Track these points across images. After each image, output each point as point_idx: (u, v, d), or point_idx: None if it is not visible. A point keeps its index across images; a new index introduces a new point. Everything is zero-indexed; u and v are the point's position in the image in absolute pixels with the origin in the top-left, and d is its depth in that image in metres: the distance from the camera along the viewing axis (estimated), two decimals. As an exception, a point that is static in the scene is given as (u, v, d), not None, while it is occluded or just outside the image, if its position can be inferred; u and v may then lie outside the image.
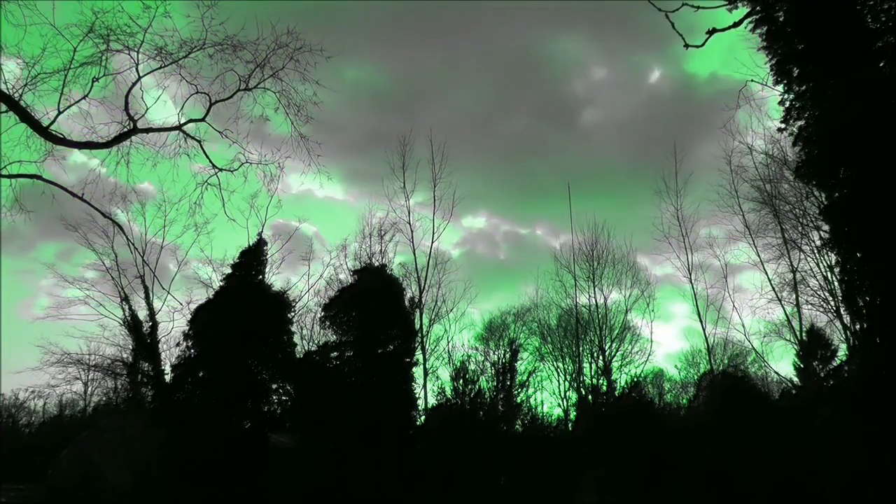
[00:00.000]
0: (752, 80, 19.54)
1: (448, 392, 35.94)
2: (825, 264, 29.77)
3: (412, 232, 34.87)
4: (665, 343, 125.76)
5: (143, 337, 31.74)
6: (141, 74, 14.11)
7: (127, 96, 13.99)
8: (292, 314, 32.64)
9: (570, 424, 37.89)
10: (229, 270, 32.00)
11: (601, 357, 35.94)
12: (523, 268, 77.51)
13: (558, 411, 38.40)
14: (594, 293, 36.82)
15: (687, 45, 13.70)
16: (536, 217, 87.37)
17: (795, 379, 33.17)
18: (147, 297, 32.21)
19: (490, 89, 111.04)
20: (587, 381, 36.50)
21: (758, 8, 17.41)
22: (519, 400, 37.55)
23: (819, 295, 31.03)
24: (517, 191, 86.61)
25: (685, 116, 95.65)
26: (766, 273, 32.44)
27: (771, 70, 19.13)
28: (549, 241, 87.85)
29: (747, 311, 40.57)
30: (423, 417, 33.58)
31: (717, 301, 35.18)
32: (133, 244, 26.54)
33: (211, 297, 31.69)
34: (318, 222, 65.68)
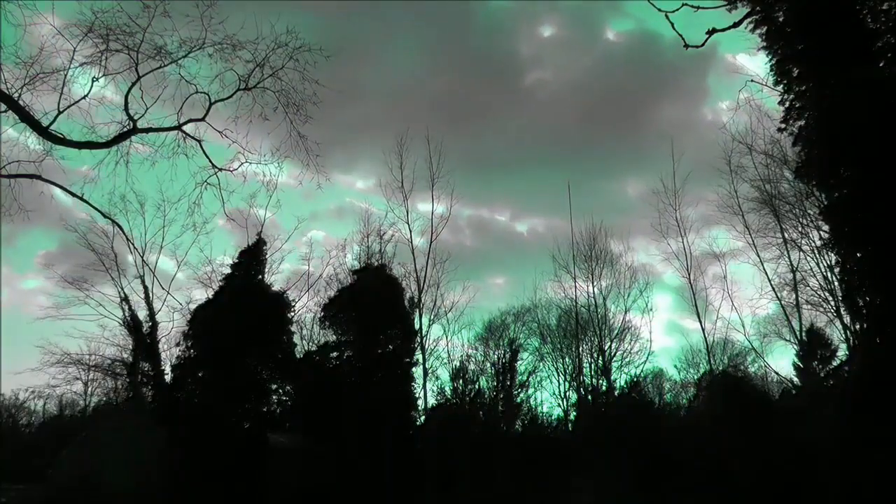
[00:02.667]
0: (752, 80, 19.55)
1: (448, 392, 35.99)
2: (825, 264, 29.76)
3: (411, 232, 34.83)
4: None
5: (143, 337, 31.71)
6: (141, 74, 14.09)
7: (127, 96, 13.99)
8: (292, 314, 32.67)
9: (570, 424, 37.90)
10: (229, 270, 32.05)
11: (601, 357, 35.93)
12: (493, 256, 69.57)
13: (558, 411, 38.46)
14: (594, 293, 36.79)
15: (687, 46, 13.72)
16: (494, 197, 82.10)
17: (795, 379, 33.17)
18: (147, 298, 32.21)
19: (421, 46, 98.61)
20: (587, 381, 36.53)
21: (757, 8, 17.41)
22: (519, 400, 37.57)
23: (819, 295, 31.02)
24: (467, 162, 79.17)
25: (646, 78, 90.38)
26: (766, 273, 32.43)
27: (771, 70, 19.14)
28: (515, 226, 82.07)
29: (747, 310, 40.54)
30: (423, 417, 33.59)
31: (717, 301, 35.27)
32: (133, 244, 26.51)
33: (211, 297, 31.72)
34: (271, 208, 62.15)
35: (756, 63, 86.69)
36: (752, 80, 19.38)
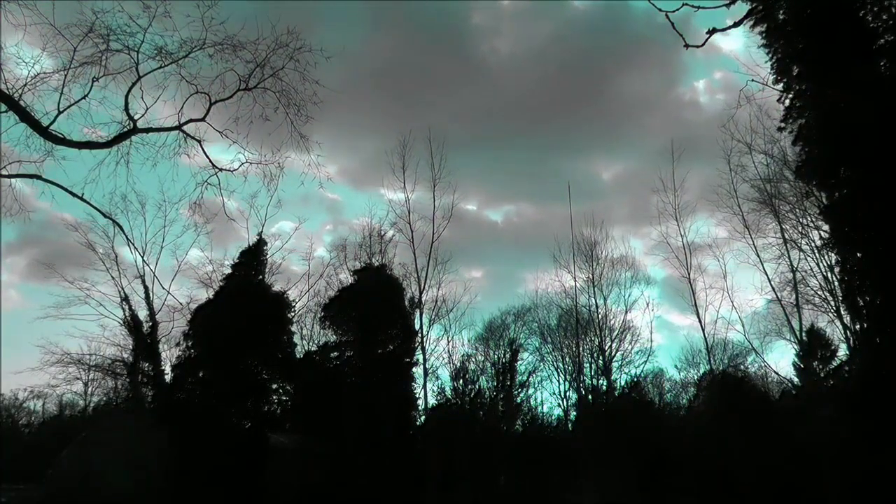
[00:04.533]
0: (752, 80, 19.52)
1: (448, 392, 35.98)
2: (825, 264, 29.75)
3: (412, 232, 34.84)
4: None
5: (143, 337, 31.73)
6: (141, 74, 14.06)
7: (127, 96, 13.95)
8: (292, 314, 32.67)
9: (570, 424, 37.91)
10: (229, 270, 32.05)
11: (601, 357, 35.92)
12: (467, 247, 63.18)
13: (558, 411, 38.47)
14: (594, 293, 36.76)
15: (687, 45, 13.67)
16: (458, 180, 77.09)
17: (795, 379, 33.16)
18: (147, 297, 32.23)
19: (360, 6, 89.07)
20: (587, 381, 36.52)
21: (758, 7, 17.40)
22: (519, 400, 37.58)
23: (819, 295, 31.01)
24: (420, 138, 77.76)
25: (614, 51, 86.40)
26: (766, 273, 32.42)
27: (771, 69, 19.11)
28: (488, 215, 77.93)
29: (747, 309, 40.53)
30: (423, 417, 33.58)
31: (708, 298, 35.21)
32: (133, 244, 26.52)
33: (211, 297, 31.73)
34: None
35: (731, 42, 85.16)
36: (752, 80, 19.31)
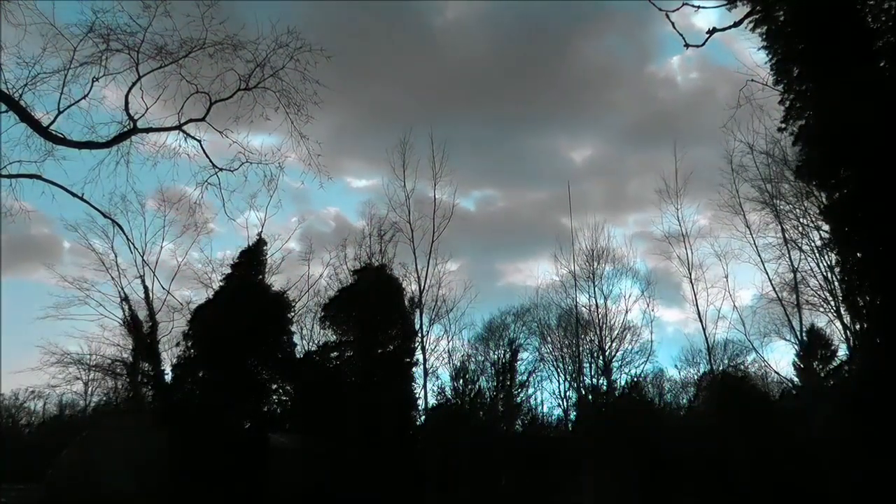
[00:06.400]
0: (752, 80, 19.50)
1: (448, 392, 35.99)
2: (825, 264, 29.76)
3: (412, 231, 34.81)
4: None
5: (143, 337, 31.71)
6: (141, 74, 14.06)
7: (127, 96, 13.95)
8: (292, 314, 32.66)
9: (570, 424, 37.91)
10: (229, 270, 32.05)
11: (601, 357, 35.91)
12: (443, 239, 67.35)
13: (558, 411, 38.46)
14: (594, 293, 36.74)
15: (687, 45, 13.71)
16: (422, 163, 78.96)
17: (795, 379, 33.17)
18: (147, 297, 32.21)
19: None
20: (587, 381, 36.51)
21: (758, 7, 17.40)
22: (519, 400, 37.57)
23: (819, 295, 31.02)
24: (367, 115, 67.12)
25: (573, 15, 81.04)
26: (767, 273, 32.43)
27: (771, 69, 19.11)
28: (461, 203, 75.42)
29: (743, 308, 40.50)
30: (423, 417, 33.59)
31: (717, 299, 35.23)
32: (133, 244, 26.53)
33: (211, 297, 31.73)
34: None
35: (707, 21, 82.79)
36: (752, 80, 19.31)
